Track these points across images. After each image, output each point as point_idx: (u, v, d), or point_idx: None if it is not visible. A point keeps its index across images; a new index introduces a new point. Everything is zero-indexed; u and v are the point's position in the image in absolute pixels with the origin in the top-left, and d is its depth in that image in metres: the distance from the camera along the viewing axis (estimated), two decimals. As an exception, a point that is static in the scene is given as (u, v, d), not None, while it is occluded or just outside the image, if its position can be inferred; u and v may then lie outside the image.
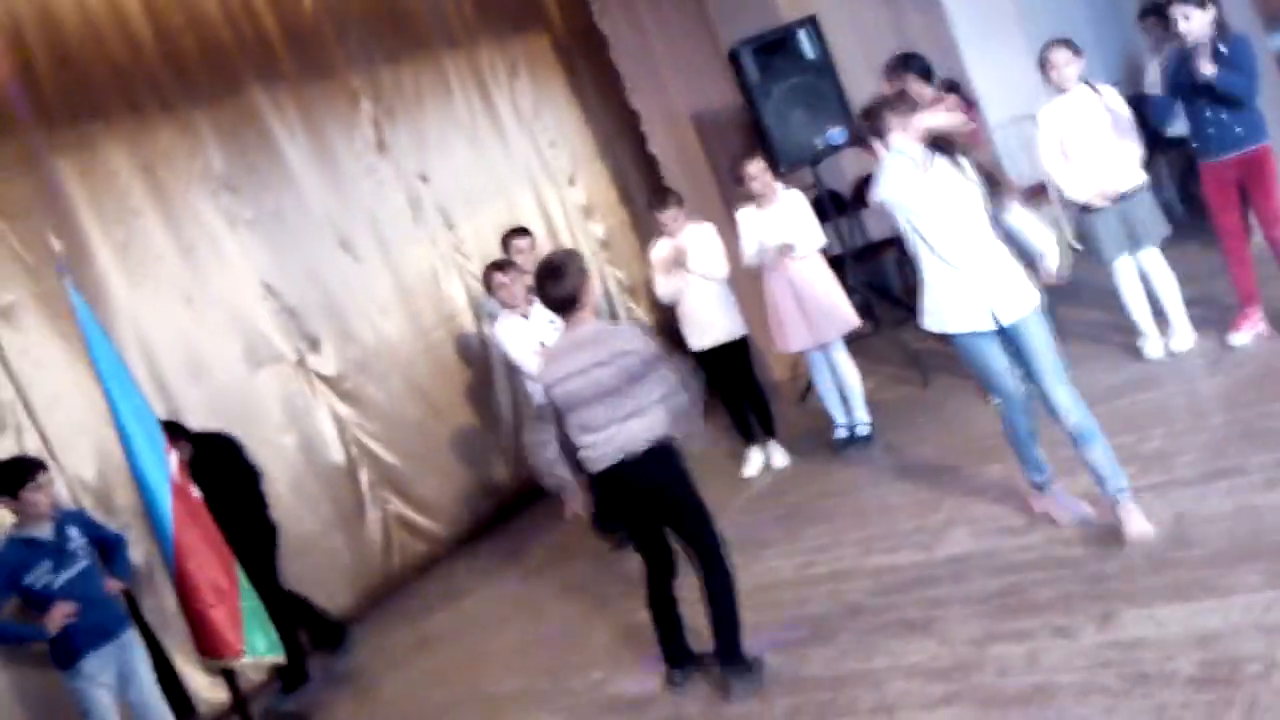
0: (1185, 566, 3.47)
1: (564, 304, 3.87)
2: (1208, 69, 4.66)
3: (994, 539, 4.23)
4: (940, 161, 3.83)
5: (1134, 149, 5.12)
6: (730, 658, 3.87)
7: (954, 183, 3.84)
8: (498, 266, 5.73)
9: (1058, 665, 3.24)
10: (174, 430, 5.33)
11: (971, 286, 3.87)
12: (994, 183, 3.92)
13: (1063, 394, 3.87)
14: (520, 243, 6.24)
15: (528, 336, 5.51)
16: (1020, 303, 3.88)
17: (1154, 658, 3.07)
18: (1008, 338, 3.92)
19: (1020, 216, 4.03)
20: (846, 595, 4.18)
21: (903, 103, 3.94)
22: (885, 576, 4.27)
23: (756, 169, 5.73)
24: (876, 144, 3.87)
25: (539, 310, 5.74)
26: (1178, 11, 4.74)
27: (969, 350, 4.01)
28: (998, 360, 3.99)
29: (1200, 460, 4.13)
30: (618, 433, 3.79)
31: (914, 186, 3.79)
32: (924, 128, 3.77)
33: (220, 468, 5.56)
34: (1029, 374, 3.94)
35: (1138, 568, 3.58)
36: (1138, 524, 3.76)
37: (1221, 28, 4.74)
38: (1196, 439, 4.32)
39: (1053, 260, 4.05)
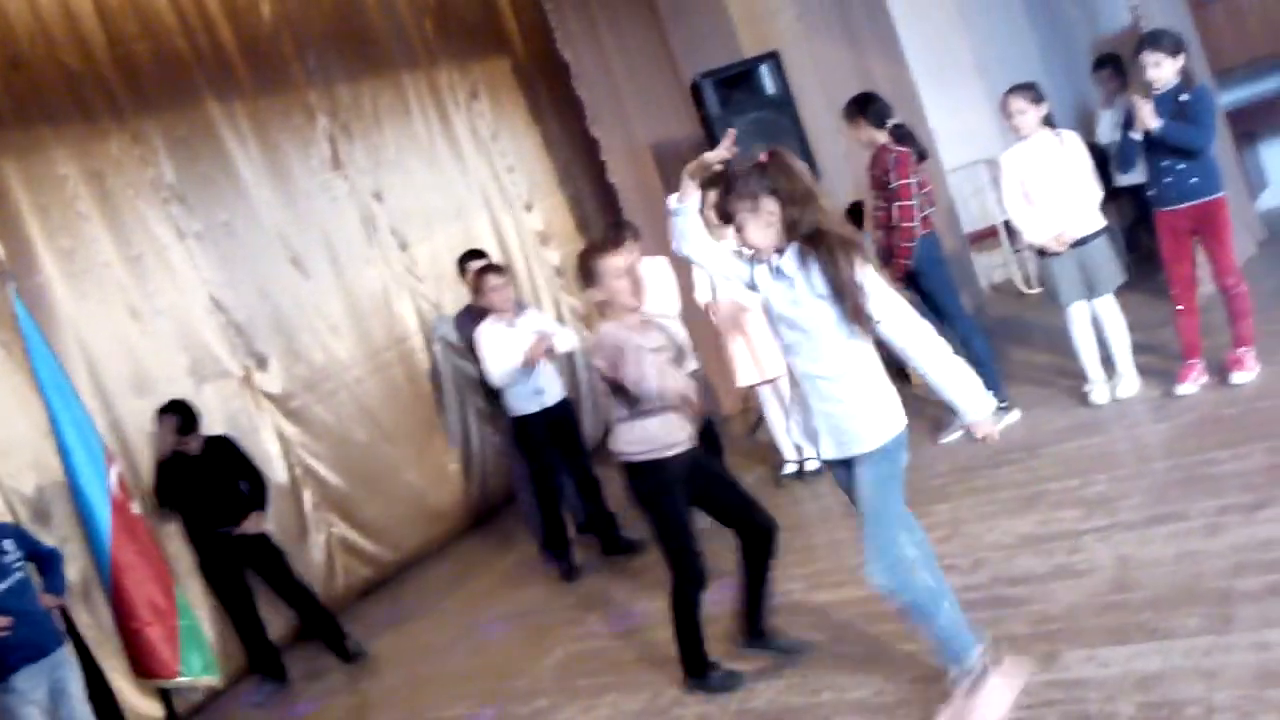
0: (1127, 609, 3.51)
1: None
2: (1152, 123, 4.75)
3: (940, 577, 4.25)
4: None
5: (1095, 193, 5.20)
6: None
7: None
8: (494, 269, 5.81)
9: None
10: (186, 417, 5.50)
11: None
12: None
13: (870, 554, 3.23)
14: (476, 265, 6.21)
15: (510, 345, 5.51)
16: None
17: (1096, 698, 3.10)
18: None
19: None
20: (792, 630, 4.16)
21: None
22: (832, 612, 4.27)
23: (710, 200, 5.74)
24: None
25: (527, 319, 5.73)
26: (1149, 58, 4.79)
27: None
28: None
29: (1143, 505, 4.19)
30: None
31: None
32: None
33: (231, 464, 5.71)
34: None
35: (1081, 609, 3.62)
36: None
37: (1186, 76, 4.84)
38: (1140, 484, 4.38)
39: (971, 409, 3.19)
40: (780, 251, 3.12)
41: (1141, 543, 3.90)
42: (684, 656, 4.03)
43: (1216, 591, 3.40)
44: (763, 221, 3.10)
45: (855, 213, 6.68)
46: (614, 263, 3.93)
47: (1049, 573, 3.93)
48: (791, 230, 3.08)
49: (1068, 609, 3.65)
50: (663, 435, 3.86)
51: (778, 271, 3.13)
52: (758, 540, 3.96)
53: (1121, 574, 3.74)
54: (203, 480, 5.56)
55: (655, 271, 5.90)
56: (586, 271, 3.99)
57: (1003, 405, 5.59)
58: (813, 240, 3.06)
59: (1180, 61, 4.79)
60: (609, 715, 4.16)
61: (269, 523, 5.85)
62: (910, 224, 5.43)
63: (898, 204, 5.43)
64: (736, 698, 3.91)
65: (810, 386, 3.18)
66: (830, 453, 3.25)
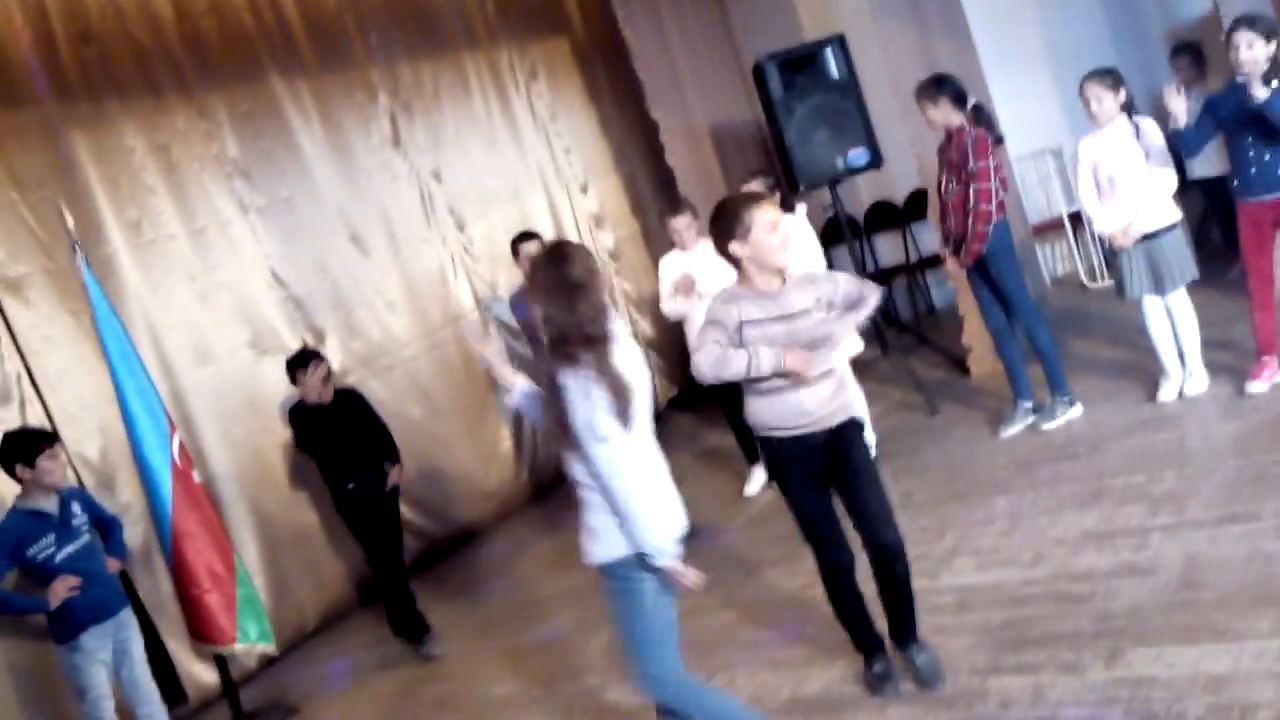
0: (1196, 609, 3.44)
1: None
2: (1261, 92, 4.54)
3: (999, 571, 4.19)
4: None
5: (1170, 184, 5.07)
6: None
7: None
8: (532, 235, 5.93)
9: (1063, 700, 3.20)
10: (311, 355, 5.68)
11: None
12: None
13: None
14: (529, 247, 6.20)
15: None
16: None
17: (1163, 697, 3.03)
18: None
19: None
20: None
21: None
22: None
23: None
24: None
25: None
26: (1241, 39, 4.58)
27: None
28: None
29: (1213, 503, 4.09)
30: None
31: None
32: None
33: (360, 417, 5.76)
34: None
35: (1146, 608, 3.54)
36: None
37: (1275, 65, 4.68)
38: (1209, 481, 4.29)
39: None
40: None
41: (1211, 541, 3.81)
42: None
43: (1289, 593, 3.32)
44: None
45: (917, 202, 6.59)
46: (768, 214, 3.41)
47: (1113, 569, 3.86)
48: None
49: (1133, 607, 3.58)
50: (769, 416, 3.49)
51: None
52: (874, 556, 3.57)
53: (1190, 573, 3.66)
54: (336, 430, 5.60)
55: (712, 255, 5.83)
56: (731, 220, 3.41)
57: (1066, 399, 5.50)
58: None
59: (1273, 48, 4.62)
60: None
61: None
62: (988, 206, 5.32)
63: (976, 186, 5.31)
64: (792, 681, 3.88)
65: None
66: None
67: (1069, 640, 3.51)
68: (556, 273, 3.04)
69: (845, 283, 3.60)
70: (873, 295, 3.63)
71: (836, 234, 7.66)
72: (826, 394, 3.46)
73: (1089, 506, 4.44)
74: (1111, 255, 5.34)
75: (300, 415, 5.68)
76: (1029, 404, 5.62)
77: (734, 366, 3.37)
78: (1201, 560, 3.71)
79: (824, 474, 3.54)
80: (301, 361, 5.64)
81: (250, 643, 5.14)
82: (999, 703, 3.31)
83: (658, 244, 7.57)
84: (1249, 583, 3.47)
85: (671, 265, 5.95)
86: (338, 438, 5.58)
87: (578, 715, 4.23)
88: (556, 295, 3.01)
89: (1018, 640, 3.64)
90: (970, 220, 5.35)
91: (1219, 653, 3.16)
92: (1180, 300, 5.17)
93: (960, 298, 6.58)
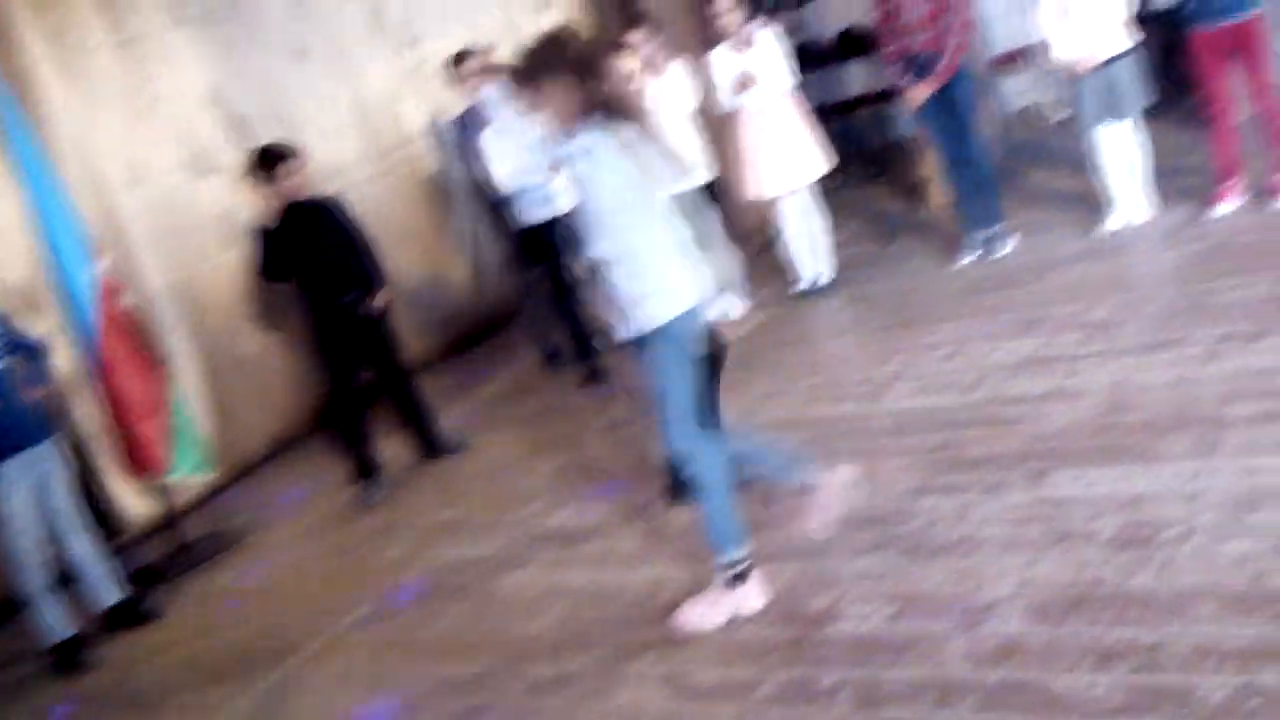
0: (1119, 432, 3.51)
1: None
2: None
3: (937, 395, 4.26)
4: None
5: (1123, 9, 4.96)
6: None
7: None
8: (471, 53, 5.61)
9: (986, 518, 3.29)
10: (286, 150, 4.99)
11: None
12: None
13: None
14: (470, 65, 5.94)
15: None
16: None
17: (1079, 516, 3.12)
18: None
19: None
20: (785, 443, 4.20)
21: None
22: (826, 426, 4.30)
23: (724, 5, 5.51)
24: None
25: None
26: None
27: None
28: None
29: (1144, 331, 4.15)
30: None
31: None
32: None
33: (341, 230, 5.19)
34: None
35: (1073, 431, 3.62)
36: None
37: None
38: (1143, 310, 4.33)
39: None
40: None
41: (1138, 368, 3.87)
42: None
43: (1208, 418, 3.39)
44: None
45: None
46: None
47: (1045, 394, 3.92)
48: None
49: (1061, 429, 3.66)
50: None
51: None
52: None
53: (1116, 398, 3.73)
54: (314, 245, 5.03)
55: (675, 74, 5.67)
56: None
57: (992, 231, 5.51)
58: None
59: None
60: (596, 516, 4.24)
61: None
62: (968, 18, 5.20)
63: None
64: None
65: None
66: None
67: (997, 462, 3.59)
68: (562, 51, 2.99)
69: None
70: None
71: (802, 62, 7.45)
72: None
73: (1028, 333, 4.49)
74: (1069, 85, 5.26)
75: (275, 233, 4.98)
76: (979, 234, 5.62)
77: None
78: (1129, 385, 3.78)
79: None
80: (277, 157, 4.93)
81: (188, 472, 5.04)
82: (926, 521, 3.40)
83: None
84: (1172, 407, 3.54)
85: (722, 60, 5.67)
86: (318, 250, 5.04)
87: (520, 540, 4.32)
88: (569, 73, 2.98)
89: (949, 462, 3.72)
90: (948, 35, 5.20)
91: (1137, 473, 3.24)
92: (1131, 129, 5.13)
93: (920, 130, 6.48)
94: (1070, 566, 2.90)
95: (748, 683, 2.92)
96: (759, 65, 5.50)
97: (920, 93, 5.37)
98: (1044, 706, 2.43)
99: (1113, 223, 5.27)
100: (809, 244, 5.91)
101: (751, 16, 5.64)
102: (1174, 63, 7.25)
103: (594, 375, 5.74)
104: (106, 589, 4.60)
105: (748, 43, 5.53)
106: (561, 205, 5.53)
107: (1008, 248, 5.50)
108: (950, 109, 5.38)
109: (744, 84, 5.47)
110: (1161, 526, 2.94)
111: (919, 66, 5.34)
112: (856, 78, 8.83)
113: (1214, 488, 3.02)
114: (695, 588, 3.36)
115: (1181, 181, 5.44)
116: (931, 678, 2.66)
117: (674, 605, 3.34)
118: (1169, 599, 2.63)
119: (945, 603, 2.93)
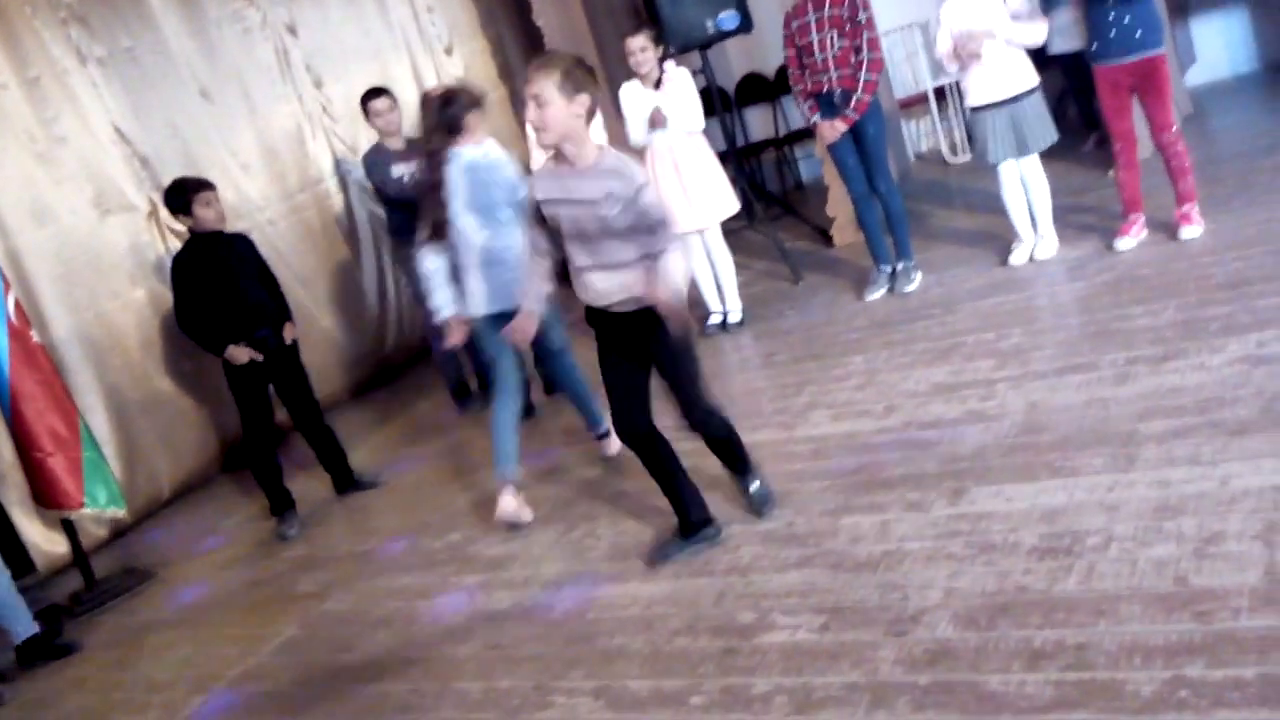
0: (1035, 450, 3.58)
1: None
2: None
3: (853, 422, 4.30)
4: None
5: (1040, 32, 5.12)
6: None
7: None
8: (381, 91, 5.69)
9: (908, 534, 3.32)
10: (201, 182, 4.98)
11: None
12: None
13: None
14: (378, 104, 5.94)
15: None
16: None
17: (1001, 529, 3.17)
18: None
19: None
20: (705, 469, 4.17)
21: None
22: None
23: (638, 44, 5.57)
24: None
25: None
26: None
27: None
28: None
29: (1056, 356, 4.26)
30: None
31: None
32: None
33: (252, 266, 5.18)
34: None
35: (989, 451, 3.68)
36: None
37: None
38: (1054, 337, 4.45)
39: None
40: None
41: (1052, 390, 3.97)
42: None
43: (1122, 434, 3.48)
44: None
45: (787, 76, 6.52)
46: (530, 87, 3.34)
47: (960, 417, 3.99)
48: None
49: (977, 450, 3.72)
50: (575, 286, 3.53)
51: None
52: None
53: (1031, 418, 3.81)
54: (229, 278, 4.98)
55: (675, 82, 5.63)
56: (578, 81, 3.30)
57: (913, 264, 5.64)
58: None
59: None
60: (522, 547, 4.18)
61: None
62: (880, 55, 5.33)
63: (868, 36, 5.28)
64: (650, 532, 3.94)
65: None
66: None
67: (916, 481, 3.64)
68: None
69: (647, 198, 3.28)
70: (666, 235, 3.29)
71: (708, 105, 7.57)
72: (615, 284, 3.39)
73: (940, 362, 4.57)
74: (974, 120, 5.41)
75: (189, 265, 4.93)
76: (889, 269, 5.73)
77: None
78: (1042, 407, 3.87)
79: (629, 349, 3.53)
80: (194, 188, 4.90)
81: (100, 507, 4.96)
82: (849, 538, 3.42)
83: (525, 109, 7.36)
84: (1085, 426, 3.63)
85: (635, 96, 5.67)
86: (233, 283, 5.00)
87: (442, 568, 4.23)
88: None
89: (868, 483, 3.75)
90: (864, 71, 5.32)
91: (1055, 488, 3.31)
92: (1034, 166, 5.30)
93: (825, 169, 6.62)
94: (994, 576, 2.93)
95: (681, 691, 2.89)
96: (670, 104, 5.56)
97: (834, 129, 5.46)
98: (977, 704, 2.44)
99: (1018, 257, 5.41)
100: (714, 283, 5.95)
101: (664, 57, 5.70)
102: (1075, 105, 7.59)
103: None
104: (22, 623, 4.48)
105: (660, 82, 5.59)
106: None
107: (915, 283, 5.61)
108: (862, 145, 5.50)
109: (654, 122, 5.52)
110: (1082, 536, 2.99)
111: (831, 104, 5.45)
112: (758, 123, 9.03)
113: (1132, 499, 3.10)
114: (620, 604, 3.29)
115: (1083, 218, 5.63)
116: (864, 682, 2.66)
117: (600, 622, 3.31)
118: (1094, 602, 2.67)
119: (873, 613, 2.94)
